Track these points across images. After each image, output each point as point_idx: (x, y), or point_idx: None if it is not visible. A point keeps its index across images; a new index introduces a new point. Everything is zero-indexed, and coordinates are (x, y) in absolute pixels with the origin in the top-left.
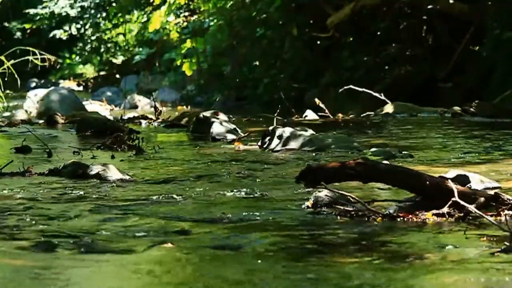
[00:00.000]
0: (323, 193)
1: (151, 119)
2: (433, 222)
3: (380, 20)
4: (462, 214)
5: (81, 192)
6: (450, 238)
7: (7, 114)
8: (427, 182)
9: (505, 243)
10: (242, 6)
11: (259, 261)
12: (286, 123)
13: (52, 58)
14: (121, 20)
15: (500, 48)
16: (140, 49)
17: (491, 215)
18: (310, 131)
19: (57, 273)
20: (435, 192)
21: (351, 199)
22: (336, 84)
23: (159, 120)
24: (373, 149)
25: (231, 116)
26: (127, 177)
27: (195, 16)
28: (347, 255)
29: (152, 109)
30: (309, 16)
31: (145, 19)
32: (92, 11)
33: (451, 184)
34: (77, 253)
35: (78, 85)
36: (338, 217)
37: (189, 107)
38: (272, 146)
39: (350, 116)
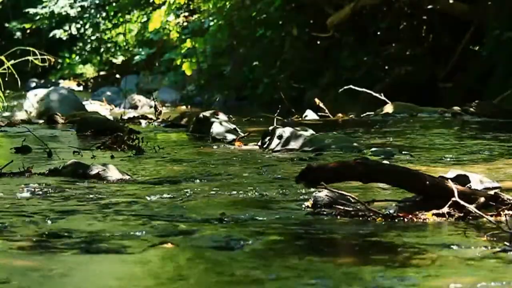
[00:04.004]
0: (323, 193)
1: (151, 119)
2: (433, 222)
3: (380, 20)
4: (462, 214)
5: (81, 192)
6: (450, 238)
7: (7, 114)
8: (427, 182)
9: (505, 243)
10: (242, 6)
11: (259, 261)
12: (286, 123)
13: (52, 58)
14: (121, 20)
15: (500, 48)
16: (140, 49)
17: (491, 215)
18: (310, 131)
19: (57, 273)
20: (435, 192)
21: (351, 199)
22: (336, 84)
23: (159, 120)
24: (373, 149)
25: (231, 116)
26: (127, 177)
27: (195, 16)
28: (347, 255)
29: (152, 109)
30: (309, 16)
31: (145, 19)
32: (92, 11)
33: (451, 184)
34: (77, 253)
35: (78, 85)
36: (338, 217)
37: (189, 107)
38: (272, 146)
39: (350, 116)
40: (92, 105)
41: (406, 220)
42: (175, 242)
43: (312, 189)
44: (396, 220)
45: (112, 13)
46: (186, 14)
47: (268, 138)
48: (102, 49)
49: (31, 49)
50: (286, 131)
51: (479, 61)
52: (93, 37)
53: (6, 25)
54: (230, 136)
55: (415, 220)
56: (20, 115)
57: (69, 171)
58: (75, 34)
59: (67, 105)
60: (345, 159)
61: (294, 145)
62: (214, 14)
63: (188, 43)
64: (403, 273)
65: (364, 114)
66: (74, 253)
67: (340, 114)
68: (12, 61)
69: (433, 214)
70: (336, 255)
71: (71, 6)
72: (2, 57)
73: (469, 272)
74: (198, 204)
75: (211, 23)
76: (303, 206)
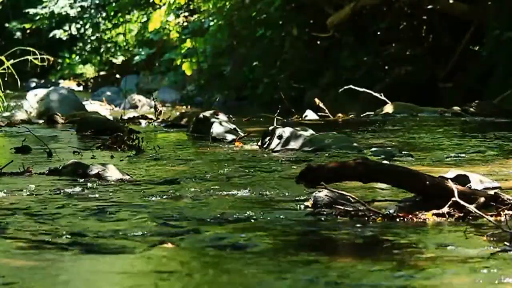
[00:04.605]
0: (323, 193)
1: (151, 119)
2: (433, 222)
3: (380, 20)
4: (462, 214)
5: (81, 192)
6: (450, 238)
7: (7, 114)
8: (427, 182)
9: (505, 243)
10: (242, 6)
11: (259, 261)
12: (286, 123)
13: (51, 58)
14: (121, 20)
15: (500, 48)
16: (140, 49)
17: (491, 215)
18: (310, 131)
19: (57, 273)
20: (435, 192)
21: (351, 199)
22: (336, 84)
23: (159, 120)
24: (373, 149)
25: (231, 116)
26: (127, 177)
27: (195, 16)
28: (347, 255)
29: (152, 109)
30: (309, 16)
31: (145, 19)
32: (92, 11)
33: (451, 184)
34: (77, 253)
35: (78, 85)
36: (338, 217)
37: (189, 107)
38: (272, 146)
39: (350, 116)
40: (92, 105)
41: (406, 220)
42: (175, 242)
43: (312, 189)
44: (396, 220)
45: (112, 13)
46: (186, 14)
47: (268, 138)
48: (102, 49)
49: (31, 49)
50: (286, 131)
51: (479, 61)
52: (93, 37)
53: (6, 25)
54: (230, 136)
55: (415, 220)
56: (20, 115)
57: (69, 171)
58: (75, 34)
59: (67, 105)
60: (345, 159)
61: (294, 145)
62: (214, 14)
63: (188, 43)
64: (403, 273)
65: (364, 114)
66: (74, 253)
67: (340, 114)
68: (12, 61)
69: (433, 214)
70: (336, 255)
71: (71, 6)
72: (2, 57)
73: (469, 272)
74: (198, 204)
75: (211, 23)
76: (303, 206)
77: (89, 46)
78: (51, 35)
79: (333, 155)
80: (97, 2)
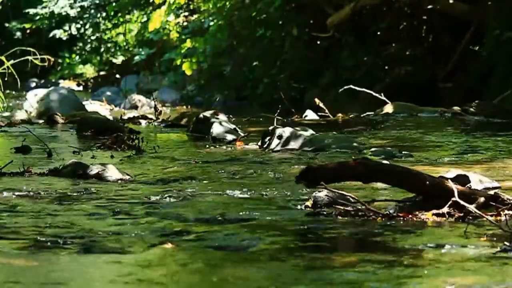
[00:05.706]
0: (323, 193)
1: (151, 119)
2: (433, 222)
3: (380, 20)
4: (462, 214)
5: (81, 192)
6: (450, 238)
7: (7, 114)
8: (427, 182)
9: (505, 243)
10: (242, 6)
11: (259, 261)
12: (286, 123)
13: (51, 58)
14: (121, 20)
15: (500, 48)
16: (140, 49)
17: (491, 215)
18: (310, 131)
19: (57, 273)
20: (435, 192)
21: (351, 199)
22: (336, 84)
23: (159, 120)
24: (373, 149)
25: (231, 116)
26: (127, 177)
27: (195, 16)
28: (347, 255)
29: (152, 109)
30: (309, 16)
31: (145, 19)
32: (92, 11)
33: (451, 184)
34: (77, 253)
35: (78, 85)
36: (338, 217)
37: (189, 107)
38: (272, 146)
39: (350, 116)
40: (92, 105)
41: (406, 220)
42: (175, 242)
43: (312, 189)
44: (396, 220)
45: (112, 13)
46: (186, 14)
47: (268, 138)
48: (102, 49)
49: (31, 49)
50: (286, 131)
51: (479, 61)
52: (93, 37)
53: (6, 25)
54: (230, 136)
55: (415, 220)
56: (20, 115)
57: (69, 171)
58: (75, 34)
59: (67, 105)
60: (345, 159)
61: (294, 145)
62: (214, 14)
63: (188, 43)
64: (403, 273)
65: (364, 114)
66: (74, 253)
67: (340, 114)
68: (12, 61)
69: (433, 214)
70: (336, 255)
71: (71, 6)
72: (2, 57)
73: (469, 272)
74: (198, 204)
75: (211, 23)
76: (303, 206)
77: (89, 46)
78: (51, 35)
79: (333, 155)
80: (97, 2)
